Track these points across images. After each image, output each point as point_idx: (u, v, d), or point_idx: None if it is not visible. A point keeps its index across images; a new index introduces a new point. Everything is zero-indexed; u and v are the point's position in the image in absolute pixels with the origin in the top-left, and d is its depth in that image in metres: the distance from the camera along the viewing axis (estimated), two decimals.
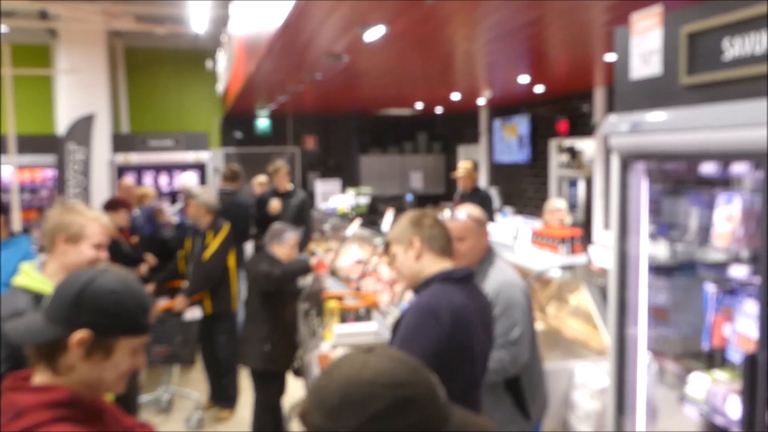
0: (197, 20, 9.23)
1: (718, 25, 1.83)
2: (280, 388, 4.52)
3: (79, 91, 10.42)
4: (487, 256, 2.87)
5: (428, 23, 4.76)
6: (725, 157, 1.88)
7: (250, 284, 4.53)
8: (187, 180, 7.82)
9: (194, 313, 5.00)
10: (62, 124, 10.27)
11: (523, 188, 11.17)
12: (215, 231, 5.16)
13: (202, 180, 10.47)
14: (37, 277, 2.36)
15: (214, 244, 5.09)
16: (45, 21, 10.84)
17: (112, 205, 5.60)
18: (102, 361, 1.45)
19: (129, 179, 8.09)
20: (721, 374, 2.09)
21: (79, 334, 1.41)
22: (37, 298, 2.24)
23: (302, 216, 6.76)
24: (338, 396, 1.05)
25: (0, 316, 2.07)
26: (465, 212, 2.87)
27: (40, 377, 1.46)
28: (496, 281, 2.76)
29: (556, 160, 10.40)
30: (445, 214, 3.27)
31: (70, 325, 1.41)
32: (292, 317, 4.53)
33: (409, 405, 1.04)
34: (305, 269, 4.51)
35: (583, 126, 9.38)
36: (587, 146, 10.54)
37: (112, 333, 1.45)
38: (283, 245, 4.45)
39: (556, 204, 5.35)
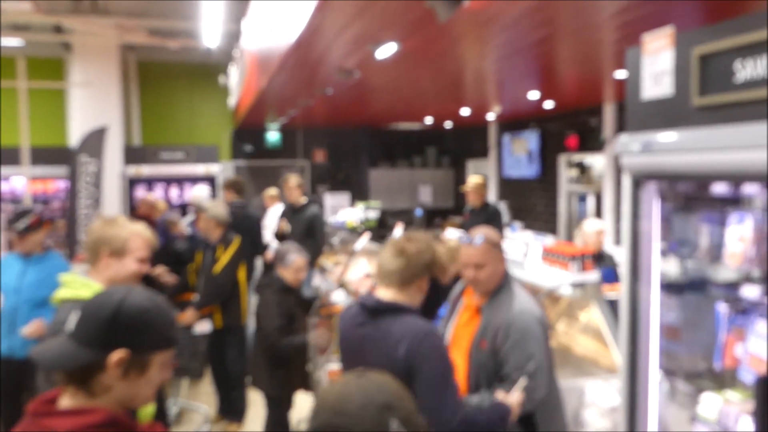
0: (209, 35, 9.34)
1: (729, 47, 1.84)
2: (291, 405, 4.51)
3: (92, 104, 10.54)
4: (503, 282, 2.73)
5: (439, 41, 4.80)
6: (736, 178, 1.89)
7: (257, 314, 4.49)
8: (199, 192, 7.85)
9: (204, 327, 5.02)
10: (75, 136, 10.38)
11: (532, 203, 11.16)
12: (226, 245, 5.18)
13: (213, 192, 10.54)
14: (90, 284, 2.36)
15: (224, 257, 5.11)
16: (59, 35, 11.00)
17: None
18: (137, 378, 1.45)
19: (151, 194, 8.16)
20: (733, 394, 2.08)
21: (118, 354, 1.41)
22: None
23: (311, 231, 6.76)
24: (331, 414, 1.14)
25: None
26: (481, 236, 2.71)
27: (71, 400, 1.44)
28: (510, 310, 2.62)
29: (565, 175, 10.39)
30: (457, 236, 3.12)
31: (106, 347, 1.41)
32: (304, 338, 4.48)
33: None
34: (300, 346, 4.32)
35: (592, 141, 9.38)
36: (597, 161, 10.55)
37: (148, 350, 1.46)
38: (288, 268, 4.34)
39: (597, 226, 4.93)
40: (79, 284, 2.35)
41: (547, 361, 2.61)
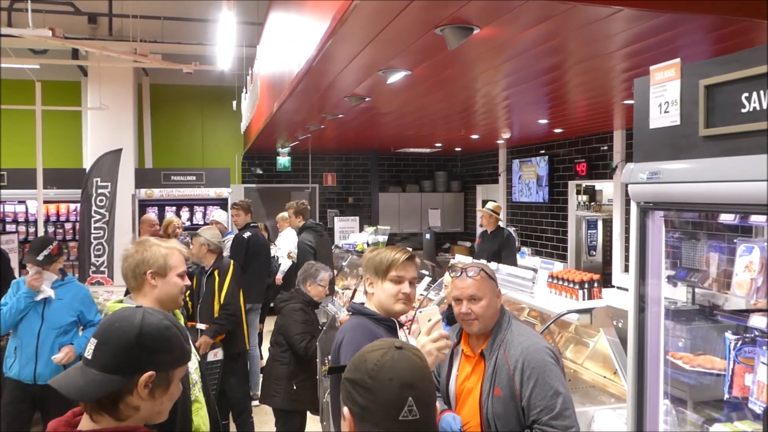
0: (223, 59, 9.48)
1: (735, 79, 1.87)
2: (301, 424, 4.54)
3: (107, 127, 10.69)
4: (502, 318, 2.62)
5: (450, 67, 4.86)
6: (743, 209, 1.90)
7: (279, 325, 4.54)
8: (218, 216, 7.89)
9: (217, 355, 5.03)
10: (89, 158, 10.50)
11: (541, 229, 11.16)
12: (220, 270, 5.21)
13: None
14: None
15: (226, 284, 5.15)
16: (76, 59, 11.19)
17: None
18: (162, 395, 1.48)
19: (152, 215, 8.21)
20: (742, 425, 2.07)
21: (145, 376, 1.43)
22: None
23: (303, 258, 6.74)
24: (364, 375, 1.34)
25: None
26: (476, 267, 2.63)
27: (95, 423, 1.44)
28: (518, 348, 2.49)
29: (574, 201, 10.40)
30: (450, 275, 3.00)
31: (133, 371, 1.42)
32: (315, 357, 4.54)
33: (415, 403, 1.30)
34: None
35: (602, 167, 9.39)
36: (606, 188, 10.54)
37: (171, 366, 1.50)
38: (317, 285, 4.56)
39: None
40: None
41: (568, 393, 2.48)
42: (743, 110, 1.83)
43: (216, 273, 5.20)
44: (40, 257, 4.30)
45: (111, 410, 1.42)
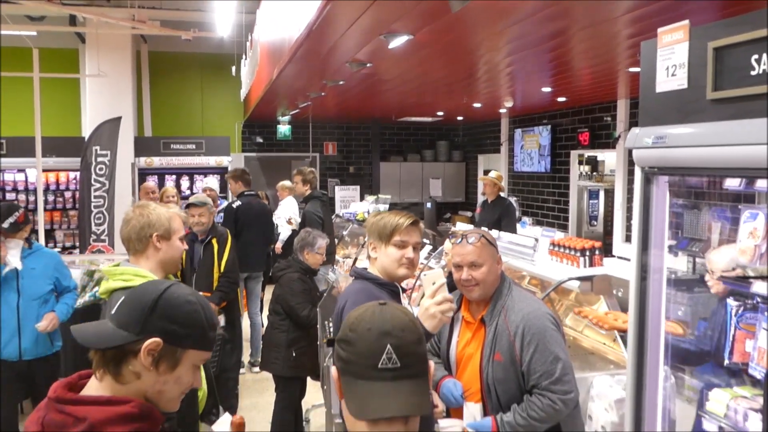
0: (222, 25, 9.35)
1: (745, 41, 1.83)
2: (301, 391, 4.60)
3: (105, 95, 10.60)
4: (502, 284, 2.63)
5: (452, 32, 4.79)
6: (750, 174, 1.87)
7: (277, 294, 4.56)
8: (211, 183, 7.90)
9: (221, 321, 5.06)
10: (88, 126, 10.43)
11: (543, 199, 11.13)
12: (219, 239, 5.22)
13: (224, 183, 10.57)
14: (141, 273, 2.37)
15: (226, 252, 5.17)
16: (73, 26, 11.05)
17: None
18: (167, 372, 1.43)
19: (151, 183, 8.19)
20: (741, 390, 2.08)
21: (151, 341, 1.39)
22: None
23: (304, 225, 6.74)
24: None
25: None
26: (477, 234, 2.62)
27: (98, 385, 1.43)
28: (518, 314, 2.51)
29: (576, 171, 10.35)
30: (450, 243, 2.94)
31: (142, 331, 1.40)
32: (316, 323, 4.57)
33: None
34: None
35: (604, 137, 9.33)
36: (609, 158, 10.49)
37: (183, 343, 1.44)
38: (315, 253, 4.57)
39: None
40: (131, 274, 2.36)
41: (569, 359, 2.51)
42: (752, 72, 1.80)
43: (215, 241, 5.20)
44: (6, 224, 4.05)
45: (114, 369, 1.41)
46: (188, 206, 5.26)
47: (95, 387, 1.43)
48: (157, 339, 1.40)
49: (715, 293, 2.22)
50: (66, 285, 4.36)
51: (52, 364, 4.26)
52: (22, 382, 4.15)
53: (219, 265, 5.17)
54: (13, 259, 4.08)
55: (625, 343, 3.12)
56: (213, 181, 7.99)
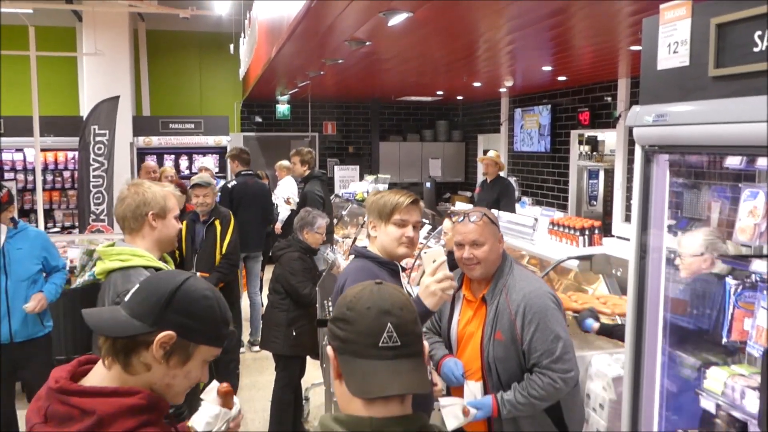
0: (220, 3, 9.26)
1: (748, 17, 1.80)
2: (301, 369, 4.63)
3: (103, 74, 10.51)
4: (504, 263, 2.62)
5: (452, 10, 4.74)
6: (752, 152, 1.86)
7: (277, 274, 4.57)
8: (207, 163, 7.87)
9: None
10: (86, 105, 10.37)
11: (542, 179, 11.12)
12: (222, 219, 5.21)
13: (222, 163, 10.54)
14: (138, 252, 2.36)
15: (229, 233, 5.16)
16: (70, 4, 10.94)
17: None
18: (177, 366, 1.40)
19: (151, 162, 8.17)
20: (739, 369, 2.08)
21: (164, 334, 1.36)
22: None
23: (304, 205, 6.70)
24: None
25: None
26: (479, 212, 2.61)
27: (105, 374, 1.40)
28: (519, 293, 2.51)
29: (576, 150, 10.33)
30: (450, 221, 2.89)
31: (156, 323, 1.36)
32: (316, 303, 4.59)
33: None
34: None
35: (605, 117, 9.29)
36: (609, 138, 10.45)
37: (196, 338, 1.41)
38: (315, 232, 4.57)
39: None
40: (128, 254, 2.34)
41: (569, 338, 2.51)
42: (755, 49, 1.78)
43: (218, 223, 5.20)
44: None
45: (123, 359, 1.38)
46: (193, 186, 5.25)
47: (101, 376, 1.40)
48: (171, 332, 1.37)
49: (685, 276, 2.23)
50: (54, 264, 4.27)
51: (44, 345, 4.19)
52: (13, 365, 4.07)
53: (221, 246, 5.17)
54: None
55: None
56: (209, 161, 7.96)
